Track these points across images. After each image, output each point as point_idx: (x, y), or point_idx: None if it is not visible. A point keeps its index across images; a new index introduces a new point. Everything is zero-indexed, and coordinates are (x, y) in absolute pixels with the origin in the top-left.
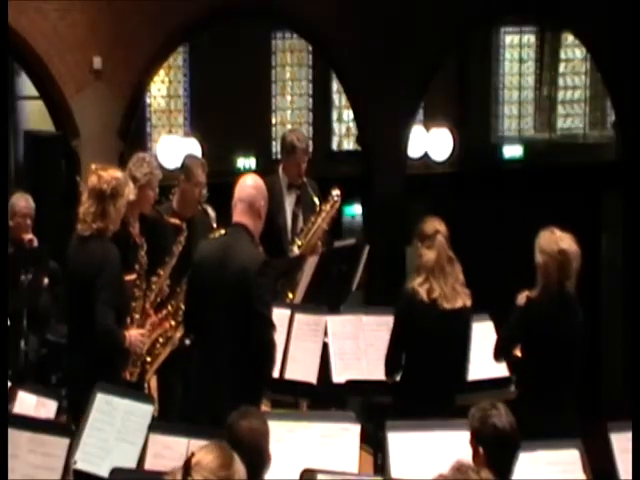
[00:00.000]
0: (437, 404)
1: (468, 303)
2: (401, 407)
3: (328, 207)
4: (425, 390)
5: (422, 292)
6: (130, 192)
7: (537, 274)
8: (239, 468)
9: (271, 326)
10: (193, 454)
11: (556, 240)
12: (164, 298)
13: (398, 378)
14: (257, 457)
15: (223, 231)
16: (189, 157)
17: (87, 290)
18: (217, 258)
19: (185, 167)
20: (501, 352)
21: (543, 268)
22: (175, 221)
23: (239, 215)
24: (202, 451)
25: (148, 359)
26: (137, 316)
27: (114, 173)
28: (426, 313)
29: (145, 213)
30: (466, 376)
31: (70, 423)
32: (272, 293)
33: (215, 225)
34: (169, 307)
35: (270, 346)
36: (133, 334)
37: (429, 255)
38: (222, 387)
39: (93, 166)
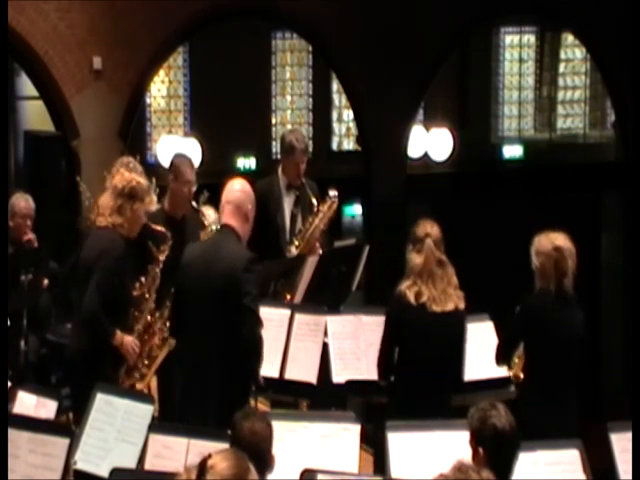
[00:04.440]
0: (431, 405)
1: (461, 306)
2: (395, 408)
3: (325, 208)
4: (418, 391)
5: (410, 295)
6: (151, 203)
7: (535, 278)
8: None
9: (259, 321)
10: (210, 455)
11: (550, 240)
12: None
13: (392, 379)
14: (256, 459)
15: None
16: (177, 156)
17: (87, 277)
18: (204, 259)
19: (173, 166)
20: (503, 356)
21: (540, 269)
22: (160, 229)
23: (227, 217)
24: (219, 456)
25: (146, 362)
26: (139, 327)
27: (137, 177)
28: (415, 316)
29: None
30: (462, 378)
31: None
32: (258, 288)
33: (217, 225)
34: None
35: (258, 341)
36: (128, 339)
37: (417, 260)
38: (211, 386)
39: (121, 170)
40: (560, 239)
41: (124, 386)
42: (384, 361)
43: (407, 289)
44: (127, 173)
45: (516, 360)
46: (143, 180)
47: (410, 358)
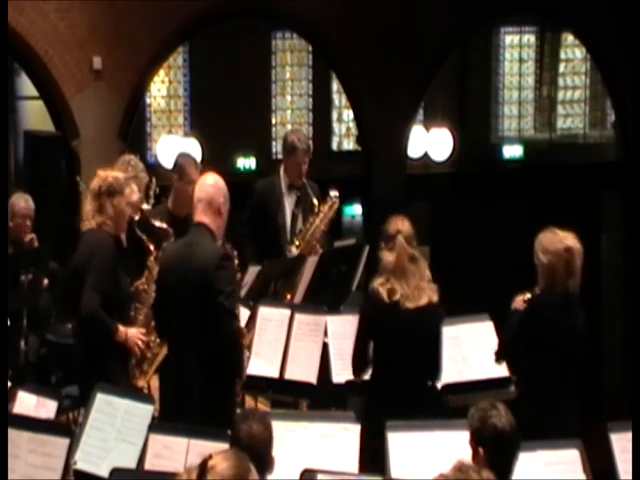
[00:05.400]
0: (408, 402)
1: (435, 299)
2: (374, 407)
3: (326, 208)
4: (395, 388)
5: (383, 292)
6: (132, 193)
7: (539, 275)
8: None
9: (235, 318)
10: (211, 456)
11: (560, 239)
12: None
13: (367, 377)
14: (254, 461)
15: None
16: (181, 156)
17: (81, 279)
18: (179, 260)
19: (178, 166)
20: (504, 355)
21: (548, 268)
22: (162, 225)
23: (199, 215)
24: (220, 456)
25: (145, 366)
26: (141, 318)
27: (112, 173)
28: (388, 314)
29: (132, 217)
30: (439, 371)
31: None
32: (234, 285)
33: None
34: None
35: (236, 337)
36: (132, 332)
37: (389, 257)
38: (193, 385)
39: (98, 170)
40: (570, 239)
41: (134, 381)
42: (357, 358)
43: (380, 286)
44: (102, 172)
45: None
46: (120, 174)
47: (386, 356)
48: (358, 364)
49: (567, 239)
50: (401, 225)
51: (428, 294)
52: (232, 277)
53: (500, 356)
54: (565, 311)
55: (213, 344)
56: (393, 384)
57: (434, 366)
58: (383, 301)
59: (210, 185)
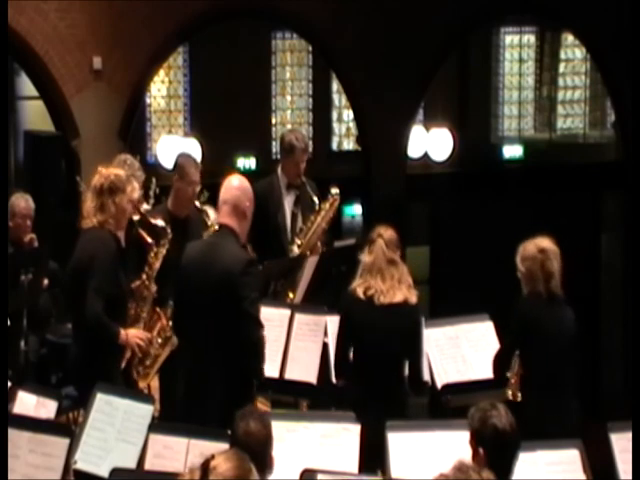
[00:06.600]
0: (384, 399)
1: (412, 299)
2: (352, 405)
3: (327, 205)
4: (372, 385)
5: (359, 290)
6: (133, 191)
7: (522, 285)
8: None
9: (259, 325)
10: (213, 456)
11: (534, 243)
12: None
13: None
14: (252, 460)
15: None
16: (182, 156)
17: (81, 280)
18: (202, 261)
19: (178, 166)
20: (500, 368)
21: (527, 274)
22: (160, 223)
23: (224, 217)
24: (221, 457)
25: (148, 362)
26: (144, 315)
27: (114, 170)
28: (364, 309)
29: (131, 216)
30: (420, 373)
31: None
32: (258, 291)
33: (216, 226)
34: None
35: (259, 345)
36: (132, 334)
37: (367, 258)
38: (212, 388)
39: (99, 167)
40: (545, 242)
41: (135, 377)
42: (339, 360)
43: (357, 286)
44: (104, 170)
45: (512, 381)
46: (121, 171)
47: (362, 353)
48: (340, 367)
49: (542, 242)
50: (383, 231)
51: (405, 293)
52: (256, 284)
53: (497, 371)
54: (550, 311)
55: (234, 349)
56: (369, 384)
57: (413, 366)
58: (359, 298)
59: (236, 187)
